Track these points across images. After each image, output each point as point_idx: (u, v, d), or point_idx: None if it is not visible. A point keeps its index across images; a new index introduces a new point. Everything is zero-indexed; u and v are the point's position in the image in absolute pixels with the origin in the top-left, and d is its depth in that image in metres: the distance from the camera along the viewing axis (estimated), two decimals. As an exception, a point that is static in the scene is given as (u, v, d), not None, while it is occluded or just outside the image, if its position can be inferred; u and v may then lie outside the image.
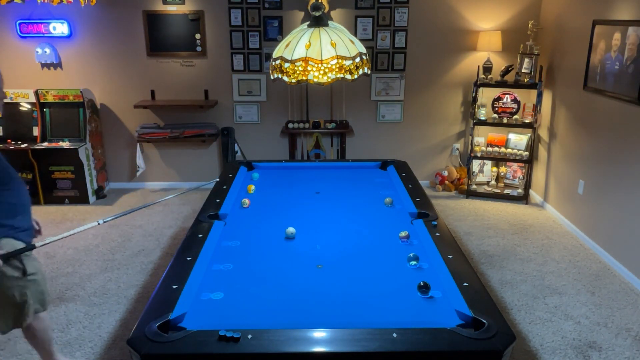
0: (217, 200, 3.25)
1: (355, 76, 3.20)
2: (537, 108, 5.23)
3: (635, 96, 3.75)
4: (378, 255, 2.57)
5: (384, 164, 4.11)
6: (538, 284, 3.79)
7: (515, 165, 5.65)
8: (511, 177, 5.71)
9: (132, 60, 5.53)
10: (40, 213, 5.19)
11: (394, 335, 1.81)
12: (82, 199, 5.44)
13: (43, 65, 5.52)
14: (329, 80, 3.15)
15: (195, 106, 5.57)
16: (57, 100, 5.37)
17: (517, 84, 5.27)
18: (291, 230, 2.78)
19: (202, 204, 3.27)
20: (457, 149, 5.89)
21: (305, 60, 3.08)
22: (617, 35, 3.99)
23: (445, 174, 5.81)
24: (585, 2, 4.54)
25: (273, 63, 3.28)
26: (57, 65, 5.53)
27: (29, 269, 2.48)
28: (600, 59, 4.23)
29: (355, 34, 5.30)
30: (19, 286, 2.45)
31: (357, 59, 3.15)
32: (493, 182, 5.76)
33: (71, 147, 5.25)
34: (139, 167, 5.70)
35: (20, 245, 2.42)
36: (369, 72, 3.35)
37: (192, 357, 1.77)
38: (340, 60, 3.10)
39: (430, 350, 1.78)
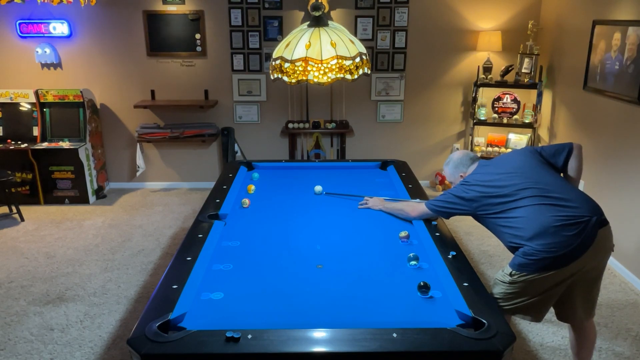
0: (217, 200, 3.25)
1: (355, 76, 3.20)
2: (537, 108, 5.23)
3: (635, 96, 3.74)
4: (378, 255, 2.57)
5: (384, 164, 4.10)
6: (538, 284, 3.78)
7: (515, 165, 5.64)
8: (511, 177, 5.70)
9: (132, 60, 5.53)
10: (40, 213, 5.20)
11: (394, 335, 1.81)
12: (82, 199, 5.44)
13: (43, 65, 5.52)
14: (329, 80, 3.15)
15: (195, 106, 5.57)
16: (57, 100, 5.38)
17: (517, 84, 5.27)
18: (318, 188, 3.30)
19: (202, 204, 3.27)
20: (457, 149, 5.89)
21: (305, 60, 3.08)
22: (617, 35, 3.99)
23: (445, 174, 5.81)
24: (585, 2, 4.54)
25: (273, 63, 3.28)
26: (57, 65, 5.53)
27: None
28: (600, 59, 4.23)
29: (355, 34, 5.29)
30: None
31: (357, 59, 3.16)
32: (493, 182, 5.75)
33: (71, 147, 5.25)
34: (139, 167, 5.71)
35: None
36: (369, 72, 3.35)
37: (192, 357, 1.77)
38: (340, 60, 3.10)
39: (430, 350, 1.78)
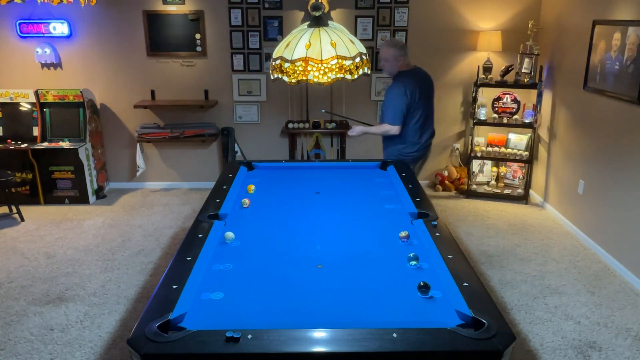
0: (217, 200, 3.25)
1: (355, 76, 3.20)
2: (537, 108, 5.23)
3: (635, 96, 3.74)
4: (378, 255, 2.57)
5: (384, 164, 4.10)
6: (538, 284, 3.79)
7: (515, 165, 5.65)
8: (511, 177, 5.71)
9: (132, 60, 5.53)
10: (40, 213, 5.20)
11: (394, 335, 1.81)
12: (82, 199, 5.44)
13: (43, 65, 5.52)
14: (329, 80, 3.15)
15: (195, 106, 5.57)
16: (57, 100, 5.38)
17: (517, 84, 5.27)
18: (230, 235, 2.69)
19: (202, 204, 3.27)
20: (457, 149, 5.89)
21: (305, 60, 3.09)
22: (617, 35, 3.99)
23: (445, 174, 5.81)
24: (585, 2, 4.55)
25: (273, 63, 3.28)
26: (57, 65, 5.53)
27: None
28: (600, 59, 4.23)
29: (355, 34, 5.29)
30: None
31: (357, 59, 3.16)
32: (493, 182, 5.76)
33: (71, 147, 5.25)
34: (139, 167, 5.71)
35: None
36: (369, 72, 3.35)
37: (192, 357, 1.77)
38: (340, 60, 3.10)
39: (430, 350, 1.78)
